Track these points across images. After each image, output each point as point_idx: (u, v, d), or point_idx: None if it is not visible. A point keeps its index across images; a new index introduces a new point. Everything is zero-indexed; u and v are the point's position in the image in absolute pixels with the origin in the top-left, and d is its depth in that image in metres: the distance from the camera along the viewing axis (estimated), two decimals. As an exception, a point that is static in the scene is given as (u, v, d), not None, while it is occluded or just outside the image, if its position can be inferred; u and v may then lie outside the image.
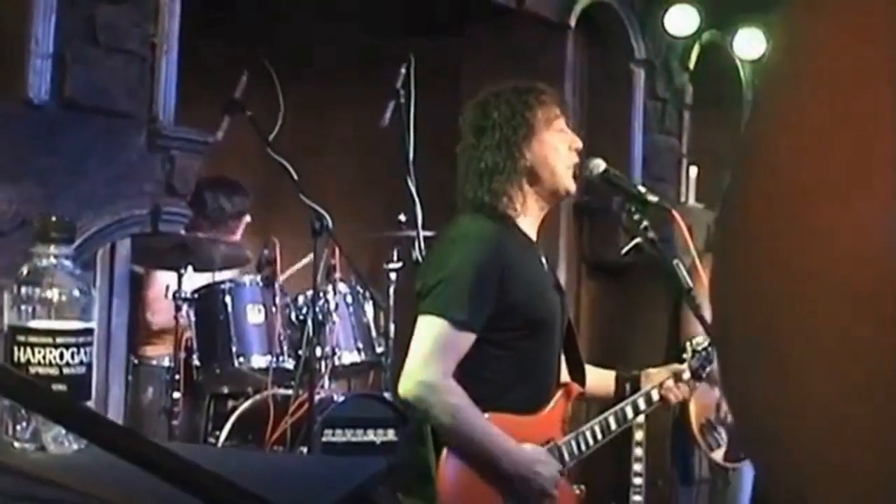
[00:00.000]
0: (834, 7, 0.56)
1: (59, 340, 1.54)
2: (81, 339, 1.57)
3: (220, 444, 5.05)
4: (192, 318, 5.36)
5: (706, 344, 3.71)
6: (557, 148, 3.43)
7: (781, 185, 0.57)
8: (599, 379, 3.77)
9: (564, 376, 3.59)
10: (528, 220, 3.45)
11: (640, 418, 3.69)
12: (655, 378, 3.70)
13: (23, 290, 1.55)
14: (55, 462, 1.52)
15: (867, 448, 0.51)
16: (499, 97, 3.47)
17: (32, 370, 1.52)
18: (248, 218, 6.16)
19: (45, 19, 4.22)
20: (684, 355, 3.77)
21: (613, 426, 3.54)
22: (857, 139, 0.54)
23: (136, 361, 5.61)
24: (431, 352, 3.19)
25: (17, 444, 1.56)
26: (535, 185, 3.42)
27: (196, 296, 5.33)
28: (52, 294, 1.55)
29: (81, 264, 4.46)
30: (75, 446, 1.56)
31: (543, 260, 3.53)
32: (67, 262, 1.58)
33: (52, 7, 4.22)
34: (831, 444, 0.52)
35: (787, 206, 0.56)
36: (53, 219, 1.59)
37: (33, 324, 1.54)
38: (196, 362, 5.35)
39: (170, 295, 5.25)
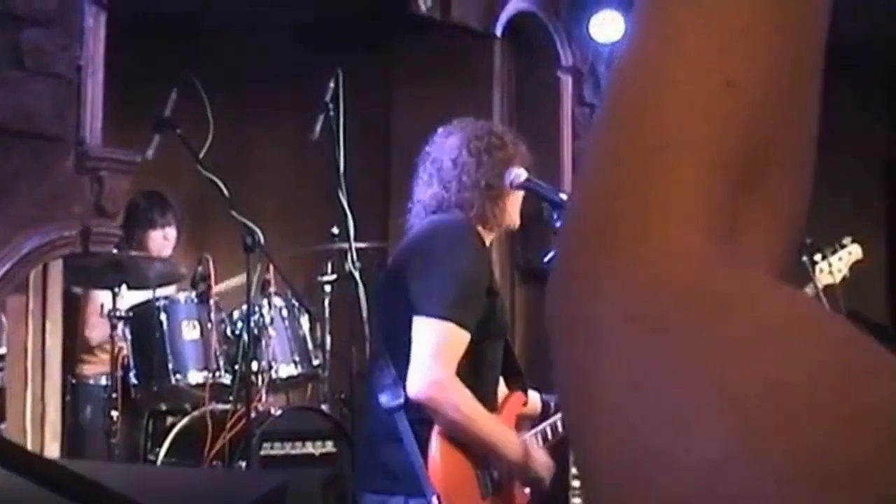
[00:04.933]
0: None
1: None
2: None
3: (159, 462, 5.06)
4: (128, 336, 5.37)
5: None
6: (519, 196, 3.68)
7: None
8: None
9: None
10: (487, 239, 3.64)
11: None
12: None
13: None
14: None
15: None
16: (490, 131, 3.73)
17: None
18: (167, 234, 6.13)
19: (-30, 44, 4.23)
20: None
21: (561, 428, 3.64)
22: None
23: (73, 381, 5.61)
24: (437, 352, 3.33)
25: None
26: (494, 209, 3.60)
27: (131, 314, 5.33)
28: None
29: (14, 286, 4.49)
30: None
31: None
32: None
33: (-24, 31, 4.23)
34: None
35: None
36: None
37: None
38: (133, 380, 5.36)
39: (105, 313, 5.26)
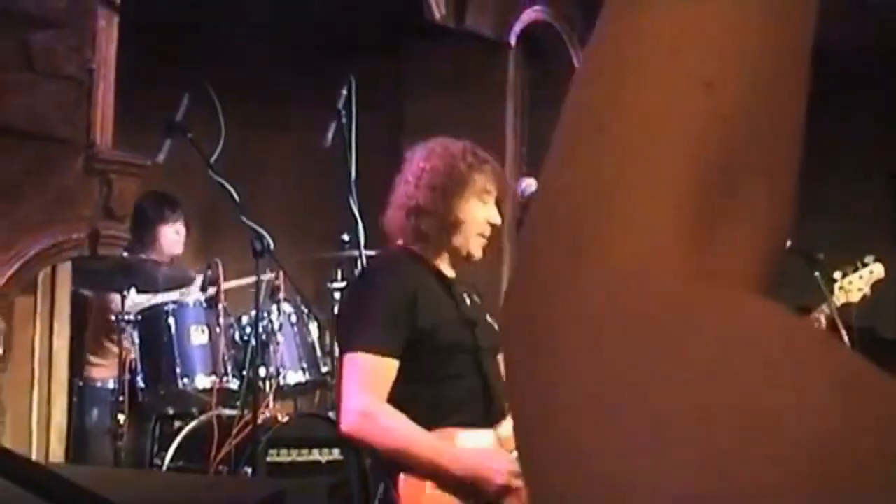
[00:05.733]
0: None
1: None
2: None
3: (165, 466, 5.04)
4: (136, 340, 5.37)
5: None
6: (476, 215, 3.59)
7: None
8: None
9: None
10: (443, 263, 3.61)
11: None
12: None
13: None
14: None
15: None
16: (447, 149, 3.64)
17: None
18: (177, 229, 6.12)
19: (-20, 45, 4.23)
20: None
21: None
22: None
23: (80, 383, 5.61)
24: (358, 384, 3.29)
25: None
26: (451, 236, 3.57)
27: (139, 317, 5.33)
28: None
29: (22, 287, 4.48)
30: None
31: (466, 295, 3.65)
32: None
33: (-13, 32, 4.23)
34: None
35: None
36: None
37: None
38: (140, 384, 5.36)
39: (113, 316, 5.26)
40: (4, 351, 4.41)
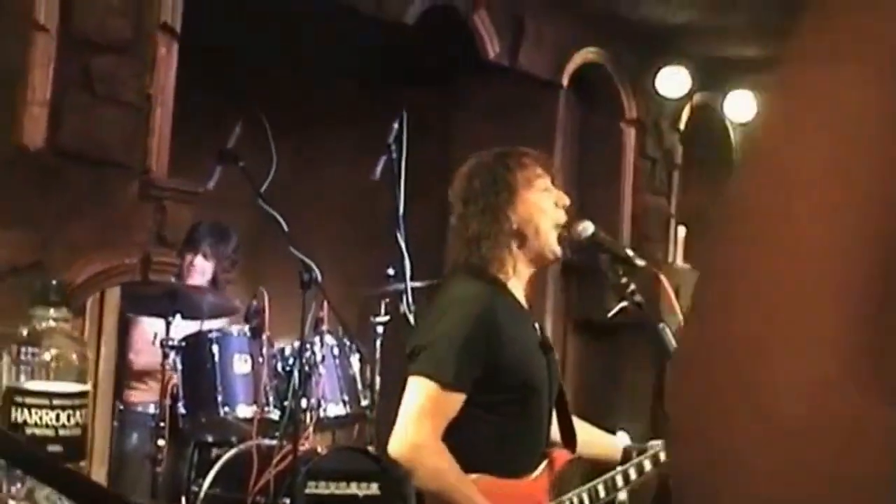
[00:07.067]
0: (825, 55, 0.56)
1: (56, 402, 1.56)
2: (77, 402, 1.60)
3: (202, 493, 5.03)
4: (179, 366, 5.37)
5: None
6: (541, 206, 3.47)
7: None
8: (600, 441, 3.80)
9: (557, 440, 3.60)
10: (518, 283, 3.48)
11: (623, 495, 3.68)
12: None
13: (22, 351, 1.58)
14: (48, 522, 1.54)
15: None
16: (479, 164, 3.54)
17: (29, 431, 1.55)
18: (205, 268, 6.10)
19: (44, 67, 4.25)
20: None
21: (602, 494, 3.54)
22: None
23: (121, 407, 5.62)
24: (420, 413, 3.22)
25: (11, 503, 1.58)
26: (522, 247, 3.46)
27: (184, 343, 5.33)
28: (51, 356, 1.58)
29: (73, 312, 4.50)
30: (68, 506, 1.58)
31: (536, 325, 3.56)
32: (66, 325, 1.61)
33: (50, 56, 4.26)
34: None
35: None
36: (53, 282, 1.62)
37: (31, 385, 1.57)
38: (182, 410, 5.35)
39: (157, 341, 5.26)
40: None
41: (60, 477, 1.00)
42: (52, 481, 1.07)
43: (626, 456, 3.71)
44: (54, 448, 1.55)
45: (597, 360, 7.21)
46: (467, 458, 3.25)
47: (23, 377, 1.57)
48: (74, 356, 1.60)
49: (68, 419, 1.57)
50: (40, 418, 1.55)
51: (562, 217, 3.51)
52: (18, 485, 1.57)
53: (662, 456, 3.64)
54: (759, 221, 0.55)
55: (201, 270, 6.12)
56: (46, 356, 1.57)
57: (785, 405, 0.51)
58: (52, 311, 1.60)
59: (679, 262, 7.84)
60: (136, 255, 4.50)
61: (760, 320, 0.53)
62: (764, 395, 0.52)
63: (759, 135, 0.58)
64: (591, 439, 3.76)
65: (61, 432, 1.56)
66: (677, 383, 0.57)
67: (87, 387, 1.62)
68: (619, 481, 3.58)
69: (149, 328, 5.60)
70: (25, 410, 1.55)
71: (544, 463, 3.46)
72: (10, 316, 4.07)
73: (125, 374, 5.74)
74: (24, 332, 1.61)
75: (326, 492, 5.03)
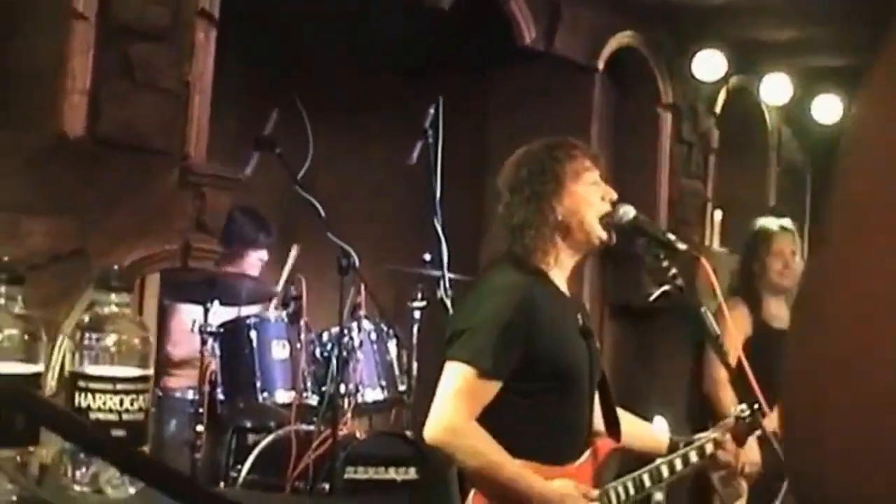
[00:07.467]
0: None
1: (119, 387, 1.58)
2: (140, 386, 1.61)
3: (241, 479, 5.06)
4: (217, 352, 5.38)
5: (750, 411, 3.62)
6: (588, 200, 3.47)
7: None
8: (643, 433, 3.79)
9: (601, 429, 3.60)
10: (560, 273, 3.48)
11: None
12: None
13: (85, 336, 1.59)
14: (113, 505, 1.55)
15: None
16: (529, 153, 3.53)
17: (93, 416, 1.56)
18: (262, 255, 6.15)
19: (83, 56, 4.27)
20: (727, 420, 3.70)
21: (647, 483, 3.53)
22: None
23: (159, 394, 5.64)
24: (455, 397, 3.23)
25: (76, 488, 1.59)
26: (566, 239, 3.46)
27: (222, 330, 5.35)
28: (113, 341, 1.59)
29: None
30: (132, 489, 1.60)
31: (580, 314, 3.55)
32: (128, 310, 1.62)
33: (89, 44, 4.27)
34: None
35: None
36: (115, 267, 1.63)
37: (94, 370, 1.58)
38: (220, 396, 5.37)
39: (196, 328, 5.28)
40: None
41: (131, 459, 1.00)
42: (123, 464, 1.07)
43: (672, 447, 3.70)
44: (118, 432, 1.56)
45: (633, 346, 7.20)
46: (509, 445, 3.25)
47: (86, 362, 1.58)
48: (137, 341, 1.61)
49: (131, 403, 1.59)
50: (104, 403, 1.56)
51: (607, 210, 3.50)
52: (84, 469, 1.59)
53: (709, 448, 3.64)
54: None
55: (263, 263, 6.17)
56: (109, 341, 1.58)
57: None
58: (113, 297, 1.61)
59: (716, 245, 7.81)
60: (177, 242, 4.51)
61: None
62: None
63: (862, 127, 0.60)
64: (636, 430, 3.74)
65: (125, 417, 1.58)
66: (825, 393, 0.59)
67: (150, 371, 1.63)
68: (665, 472, 3.57)
69: (186, 316, 5.61)
70: (89, 395, 1.56)
71: (588, 451, 3.46)
72: (54, 302, 4.12)
73: (163, 361, 5.76)
74: (87, 318, 1.62)
75: (365, 476, 5.04)
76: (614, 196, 3.53)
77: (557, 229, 3.44)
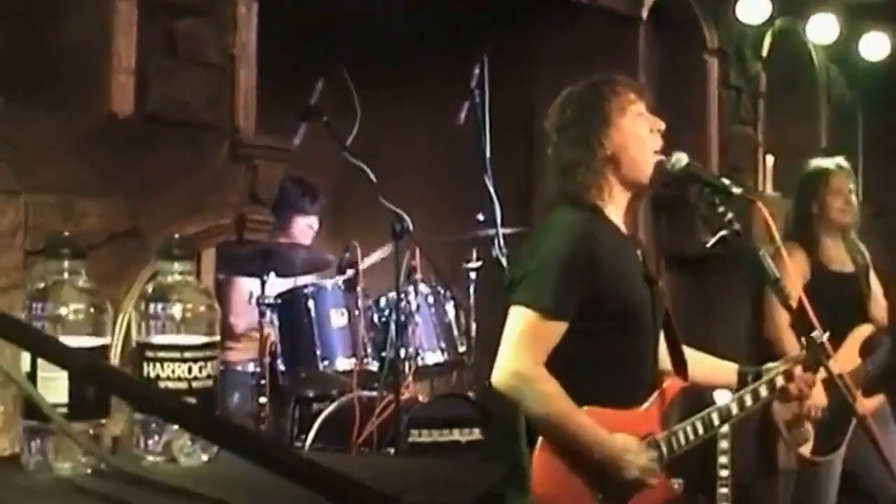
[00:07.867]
0: None
1: (187, 355, 1.58)
2: (208, 353, 1.62)
3: (306, 448, 5.09)
4: (276, 323, 5.41)
5: (824, 338, 3.57)
6: (636, 133, 3.44)
7: None
8: (712, 368, 3.76)
9: (668, 369, 3.57)
10: (616, 209, 3.45)
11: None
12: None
13: (150, 306, 1.60)
14: (187, 473, 1.56)
15: None
16: (573, 94, 3.51)
17: (162, 385, 1.57)
18: (311, 222, 6.17)
19: (127, 34, 4.27)
20: (800, 349, 3.66)
21: (716, 422, 3.51)
22: None
23: (221, 367, 5.67)
24: (521, 341, 3.22)
25: (149, 458, 1.60)
26: (617, 174, 3.42)
27: (279, 301, 5.37)
28: (179, 310, 1.59)
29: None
30: (205, 457, 1.61)
31: (639, 251, 3.52)
32: (192, 279, 1.63)
33: (132, 22, 4.27)
34: None
35: None
36: (176, 236, 1.63)
37: (161, 339, 1.59)
38: (281, 367, 5.41)
39: (253, 301, 5.30)
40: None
41: (213, 426, 1.00)
42: (204, 430, 1.08)
43: (741, 379, 3.68)
44: (189, 400, 1.56)
45: (690, 294, 7.15)
46: (574, 389, 3.23)
47: (153, 332, 1.59)
48: (203, 308, 1.61)
49: (200, 371, 1.59)
50: (172, 371, 1.57)
51: (657, 142, 3.48)
52: (155, 437, 1.60)
53: (779, 382, 3.61)
54: None
55: (314, 230, 6.19)
56: (174, 310, 1.59)
57: None
58: (176, 265, 1.62)
59: (769, 190, 7.75)
60: (231, 216, 4.52)
61: None
62: None
63: None
64: (703, 367, 3.72)
65: (194, 384, 1.58)
66: None
67: (217, 338, 1.64)
68: (735, 409, 3.55)
69: (244, 288, 5.64)
70: (157, 364, 1.57)
71: (655, 394, 3.44)
72: (109, 281, 4.14)
73: (223, 335, 5.79)
74: (150, 289, 1.63)
75: (429, 439, 5.07)
76: (662, 126, 3.49)
77: (608, 164, 3.41)
